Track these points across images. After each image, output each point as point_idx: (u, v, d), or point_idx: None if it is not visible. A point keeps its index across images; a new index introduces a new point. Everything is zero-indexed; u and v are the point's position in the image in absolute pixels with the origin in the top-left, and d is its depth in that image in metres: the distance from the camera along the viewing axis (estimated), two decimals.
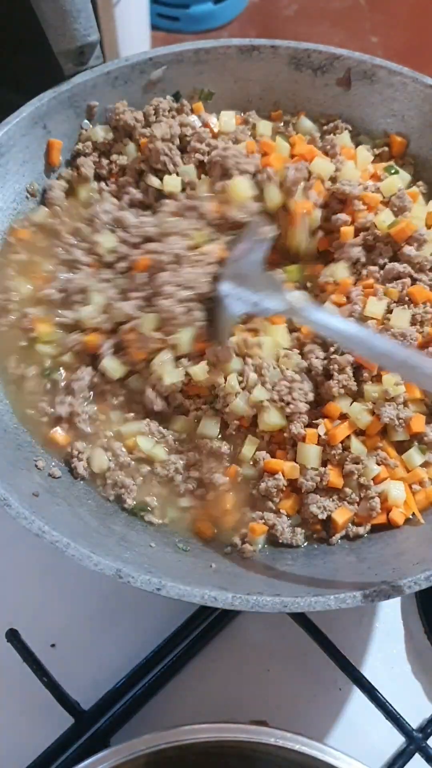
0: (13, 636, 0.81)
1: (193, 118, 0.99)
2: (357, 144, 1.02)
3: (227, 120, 1.01)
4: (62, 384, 0.84)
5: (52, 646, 0.85)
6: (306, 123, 1.03)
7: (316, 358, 0.83)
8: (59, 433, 0.81)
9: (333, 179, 0.95)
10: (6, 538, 0.90)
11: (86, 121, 0.98)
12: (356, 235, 0.91)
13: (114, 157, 0.98)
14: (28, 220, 0.94)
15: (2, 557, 0.90)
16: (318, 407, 0.82)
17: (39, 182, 0.95)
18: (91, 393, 0.84)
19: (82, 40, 0.90)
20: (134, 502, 0.79)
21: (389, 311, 0.85)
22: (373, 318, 0.84)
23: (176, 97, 1.01)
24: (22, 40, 0.95)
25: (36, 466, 0.79)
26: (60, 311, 0.86)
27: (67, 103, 0.94)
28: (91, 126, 0.98)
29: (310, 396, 0.82)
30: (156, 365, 0.81)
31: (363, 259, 0.89)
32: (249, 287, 0.81)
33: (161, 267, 0.84)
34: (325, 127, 1.03)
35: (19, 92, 0.93)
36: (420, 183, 0.99)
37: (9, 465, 0.75)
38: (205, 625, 0.84)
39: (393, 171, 0.97)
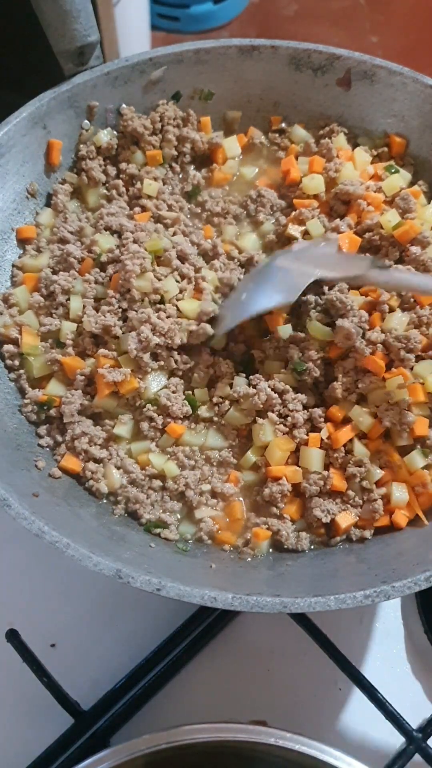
0: (13, 636, 0.81)
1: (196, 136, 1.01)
2: (354, 146, 1.02)
3: (231, 147, 1.02)
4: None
5: (52, 646, 0.85)
6: (300, 132, 1.04)
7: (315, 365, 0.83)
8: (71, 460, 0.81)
9: (333, 182, 0.96)
10: (6, 538, 0.90)
11: (86, 121, 0.98)
12: (361, 235, 0.91)
13: (123, 165, 0.99)
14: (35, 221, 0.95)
15: (2, 557, 0.90)
16: (322, 407, 0.82)
17: (39, 182, 0.95)
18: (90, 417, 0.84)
19: (82, 40, 0.90)
20: (151, 517, 0.79)
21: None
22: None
23: (176, 97, 1.02)
24: (22, 40, 0.95)
25: (36, 466, 0.79)
26: (42, 320, 0.87)
27: (67, 103, 0.94)
28: (91, 126, 0.98)
29: (311, 402, 0.83)
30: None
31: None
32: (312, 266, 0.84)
33: (128, 282, 0.84)
34: (320, 132, 1.04)
35: (19, 92, 0.94)
36: (421, 182, 0.99)
37: (9, 465, 0.75)
38: (205, 625, 0.84)
39: (393, 170, 0.97)
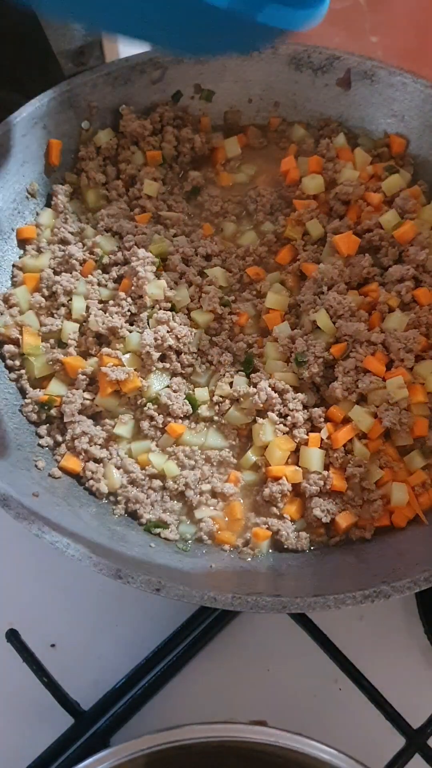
0: (13, 636, 0.81)
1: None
2: (354, 146, 1.02)
3: (232, 147, 1.02)
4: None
5: (52, 646, 0.85)
6: (299, 131, 1.04)
7: (316, 364, 0.83)
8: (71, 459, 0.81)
9: (333, 183, 0.96)
10: (6, 538, 0.90)
11: (86, 121, 0.98)
12: (361, 236, 0.91)
13: (122, 166, 0.99)
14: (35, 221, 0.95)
15: (2, 557, 0.90)
16: (322, 407, 0.82)
17: (39, 182, 0.95)
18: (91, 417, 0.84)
19: (82, 40, 0.90)
20: (151, 517, 0.79)
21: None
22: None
23: (176, 97, 1.01)
24: (22, 40, 0.95)
25: (36, 466, 0.79)
26: (43, 320, 0.87)
27: (67, 103, 0.94)
28: (91, 126, 0.98)
29: (311, 402, 0.83)
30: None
31: (369, 261, 0.89)
32: None
33: (140, 288, 0.84)
34: (320, 132, 1.03)
35: (19, 92, 0.93)
36: (421, 182, 0.99)
37: (9, 465, 0.75)
38: (205, 625, 0.84)
39: (393, 170, 0.97)
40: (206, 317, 0.86)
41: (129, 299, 0.85)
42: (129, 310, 0.85)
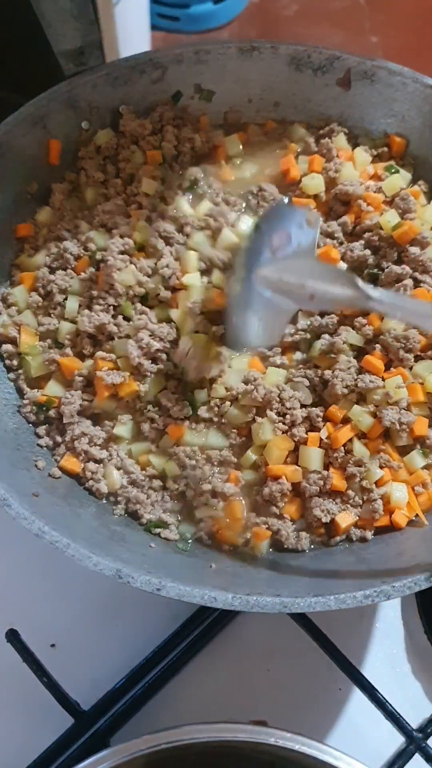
0: (13, 636, 0.81)
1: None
2: (354, 146, 1.02)
3: (232, 145, 1.02)
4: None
5: (52, 646, 0.85)
6: (299, 131, 1.03)
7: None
8: (71, 460, 0.81)
9: (333, 182, 0.96)
10: (6, 538, 0.90)
11: (86, 121, 0.98)
12: (360, 236, 0.91)
13: (122, 165, 0.99)
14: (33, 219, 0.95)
15: (2, 557, 0.90)
16: (320, 407, 0.82)
17: (39, 182, 0.95)
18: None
19: (82, 40, 0.90)
20: (151, 517, 0.79)
21: None
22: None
23: (176, 97, 1.01)
24: (22, 40, 0.95)
25: (36, 466, 0.79)
26: (41, 319, 0.87)
27: (67, 103, 0.94)
28: (91, 126, 0.98)
29: (308, 401, 0.83)
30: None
31: (370, 261, 0.89)
32: (299, 279, 0.74)
33: (111, 279, 0.84)
34: (320, 132, 1.03)
35: (19, 92, 0.93)
36: (421, 182, 0.99)
37: (9, 465, 0.75)
38: (205, 625, 0.84)
39: (393, 170, 0.97)
40: (188, 324, 0.85)
41: (103, 292, 0.85)
42: (110, 304, 0.85)
